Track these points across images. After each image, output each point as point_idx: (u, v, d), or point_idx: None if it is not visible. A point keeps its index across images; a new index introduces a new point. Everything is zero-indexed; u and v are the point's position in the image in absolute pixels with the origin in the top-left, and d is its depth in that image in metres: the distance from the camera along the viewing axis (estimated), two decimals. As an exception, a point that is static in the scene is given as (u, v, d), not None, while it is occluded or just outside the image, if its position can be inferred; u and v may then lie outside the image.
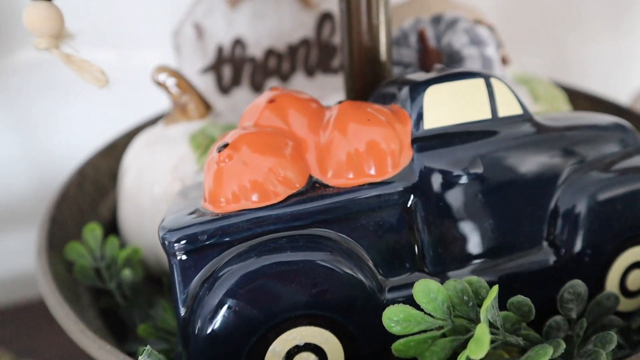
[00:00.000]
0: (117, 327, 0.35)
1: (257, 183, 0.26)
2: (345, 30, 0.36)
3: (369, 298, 0.26)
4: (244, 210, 0.26)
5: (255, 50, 0.52)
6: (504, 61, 0.47)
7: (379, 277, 0.27)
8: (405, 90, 0.29)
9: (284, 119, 0.29)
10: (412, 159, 0.28)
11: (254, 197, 0.26)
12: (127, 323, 0.36)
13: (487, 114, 0.29)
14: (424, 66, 0.41)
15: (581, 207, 0.29)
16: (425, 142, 0.28)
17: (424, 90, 0.28)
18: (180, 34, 0.49)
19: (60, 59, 0.29)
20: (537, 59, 0.74)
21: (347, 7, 0.36)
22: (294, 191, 0.27)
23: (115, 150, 0.47)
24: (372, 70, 0.37)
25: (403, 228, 0.28)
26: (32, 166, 0.67)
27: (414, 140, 0.28)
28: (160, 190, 0.39)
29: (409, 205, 0.28)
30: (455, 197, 0.28)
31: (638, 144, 0.32)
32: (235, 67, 0.51)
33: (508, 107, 0.30)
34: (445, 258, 0.28)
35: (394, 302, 0.27)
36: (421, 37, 0.38)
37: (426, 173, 0.28)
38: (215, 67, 0.51)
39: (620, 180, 0.30)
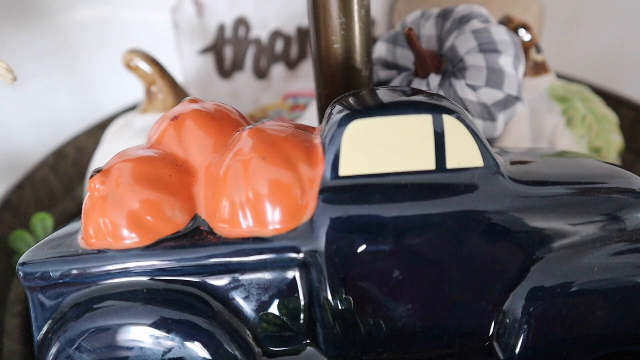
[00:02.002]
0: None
1: (126, 220, 0.22)
2: (313, 28, 0.30)
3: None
4: (105, 250, 0.22)
5: (261, 31, 0.47)
6: (543, 69, 0.38)
7: (256, 349, 0.22)
8: (329, 122, 0.23)
9: (182, 142, 0.24)
10: (315, 213, 0.22)
11: (121, 236, 0.22)
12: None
13: (429, 164, 0.22)
14: (419, 73, 0.33)
15: (547, 302, 0.21)
16: (337, 193, 0.22)
17: (345, 125, 0.22)
18: (179, 10, 0.46)
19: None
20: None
21: (313, 0, 0.29)
22: (167, 235, 0.22)
23: (103, 130, 0.45)
24: (343, 77, 0.31)
25: (293, 296, 0.22)
26: (86, 119, 0.70)
27: (323, 190, 0.22)
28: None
29: (302, 270, 0.22)
30: (363, 270, 0.22)
31: None
32: (237, 49, 0.47)
33: (463, 157, 0.22)
34: (343, 341, 0.22)
35: (268, 383, 0.22)
36: (408, 40, 0.31)
37: (329, 233, 0.22)
38: (216, 48, 0.47)
39: (615, 273, 0.21)
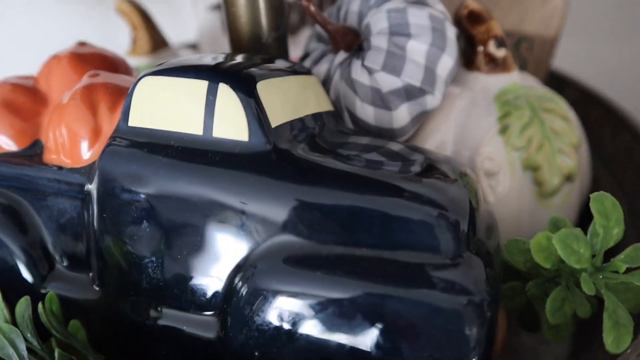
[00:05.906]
0: None
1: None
2: (223, -8, 0.31)
3: (21, 285, 0.25)
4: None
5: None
6: (503, 67, 0.32)
7: (45, 263, 0.25)
8: (142, 75, 0.24)
9: (49, 78, 0.28)
10: (101, 155, 0.24)
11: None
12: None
13: (198, 129, 0.22)
14: (333, 50, 0.31)
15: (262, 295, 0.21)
16: (121, 140, 0.23)
17: (138, 80, 0.23)
18: (199, -33, 0.49)
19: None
20: None
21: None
22: (7, 151, 0.27)
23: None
24: (247, 42, 0.31)
25: (80, 227, 0.25)
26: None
27: (114, 136, 0.24)
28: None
29: (84, 205, 0.24)
30: (121, 215, 0.23)
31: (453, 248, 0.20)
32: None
33: (230, 128, 0.22)
34: (106, 280, 0.24)
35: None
36: (307, 12, 0.29)
37: (101, 175, 0.23)
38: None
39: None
